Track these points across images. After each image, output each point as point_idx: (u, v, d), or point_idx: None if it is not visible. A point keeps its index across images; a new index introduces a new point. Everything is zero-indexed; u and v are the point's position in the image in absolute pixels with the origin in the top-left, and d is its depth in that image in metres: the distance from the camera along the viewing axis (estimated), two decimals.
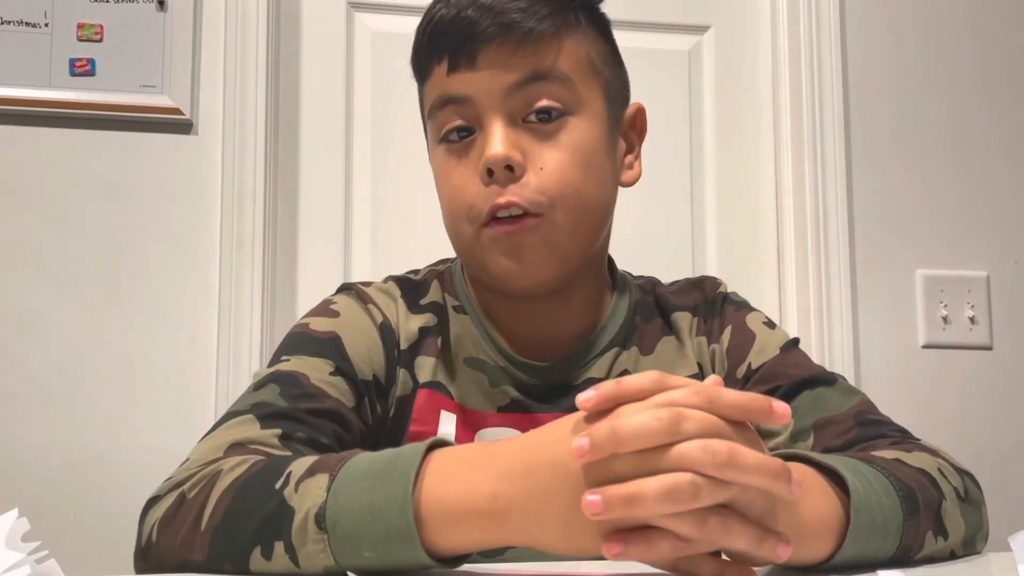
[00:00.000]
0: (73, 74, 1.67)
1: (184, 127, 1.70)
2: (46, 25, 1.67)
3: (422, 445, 0.61)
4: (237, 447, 0.74)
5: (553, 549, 0.57)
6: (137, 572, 0.74)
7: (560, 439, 0.56)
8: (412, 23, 1.80)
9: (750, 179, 1.92)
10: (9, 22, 1.66)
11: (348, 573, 0.61)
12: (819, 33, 1.90)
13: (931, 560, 0.70)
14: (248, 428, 0.77)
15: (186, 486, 0.71)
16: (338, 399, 0.82)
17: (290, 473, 0.64)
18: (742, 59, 1.95)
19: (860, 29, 1.93)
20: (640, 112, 0.95)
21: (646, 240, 1.79)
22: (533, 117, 0.85)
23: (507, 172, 0.83)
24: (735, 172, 1.91)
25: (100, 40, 1.68)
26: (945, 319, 1.88)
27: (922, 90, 1.95)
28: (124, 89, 1.68)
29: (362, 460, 0.62)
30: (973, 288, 1.90)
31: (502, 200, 0.83)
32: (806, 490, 0.60)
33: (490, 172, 0.83)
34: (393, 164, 1.80)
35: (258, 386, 0.81)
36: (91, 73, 1.67)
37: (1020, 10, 2.00)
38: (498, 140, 0.83)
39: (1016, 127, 1.97)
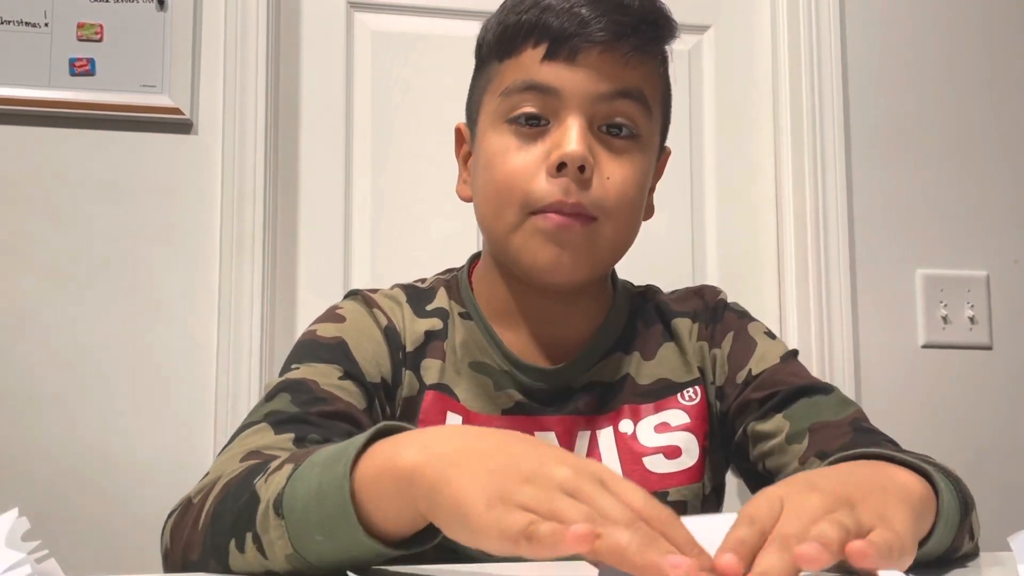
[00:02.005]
0: (73, 74, 1.67)
1: (184, 127, 1.70)
2: (46, 25, 1.67)
3: (372, 430, 0.61)
4: (253, 455, 0.75)
5: (452, 513, 0.53)
6: None
7: (494, 436, 0.57)
8: (412, 22, 1.84)
9: (750, 179, 1.92)
10: (9, 22, 1.66)
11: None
12: (819, 33, 1.90)
13: (936, 562, 0.71)
14: (263, 436, 0.78)
15: (193, 492, 0.73)
16: (349, 402, 0.83)
17: (268, 468, 0.66)
18: (742, 59, 1.95)
19: (860, 28, 1.93)
20: (667, 157, 0.97)
21: (645, 239, 1.79)
22: (606, 128, 0.86)
23: (577, 172, 0.83)
24: (735, 172, 1.91)
25: (100, 40, 1.68)
26: (945, 319, 1.88)
27: (922, 90, 1.95)
28: (124, 89, 1.67)
29: (326, 449, 0.63)
30: (973, 288, 1.90)
31: (571, 199, 0.83)
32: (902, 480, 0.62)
33: (560, 167, 0.83)
34: (393, 163, 1.80)
35: (269, 396, 0.83)
36: (91, 73, 1.67)
37: (1020, 8, 2.00)
38: (578, 138, 0.83)
39: (1017, 126, 1.97)
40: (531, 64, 0.86)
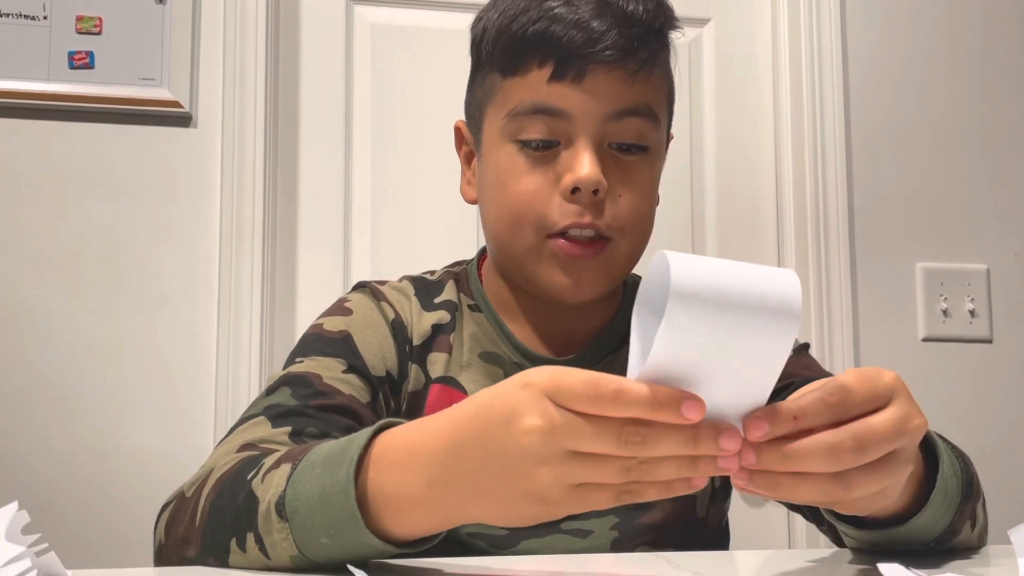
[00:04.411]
0: (72, 67, 1.66)
1: (183, 120, 1.70)
2: (45, 18, 1.67)
3: (370, 429, 0.62)
4: (249, 447, 0.75)
5: (495, 522, 0.58)
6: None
7: (478, 414, 0.57)
8: (412, 15, 1.84)
9: (750, 172, 1.92)
10: (8, 15, 1.66)
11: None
12: (819, 26, 1.89)
13: (936, 551, 0.71)
14: (260, 429, 0.78)
15: (185, 485, 0.73)
16: (351, 395, 0.83)
17: (262, 465, 0.66)
18: (742, 52, 1.94)
19: (861, 21, 1.93)
20: (670, 140, 0.96)
21: None
22: (616, 145, 0.86)
23: (591, 195, 0.83)
24: (735, 165, 1.91)
25: (99, 33, 1.68)
26: (945, 312, 1.88)
27: (922, 83, 1.94)
28: (123, 82, 1.67)
29: (322, 448, 0.63)
30: (973, 281, 1.90)
31: (585, 220, 0.83)
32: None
33: (574, 190, 0.83)
34: (393, 157, 1.80)
35: (271, 390, 0.83)
36: (90, 66, 1.67)
37: (1020, 3, 2.00)
38: (590, 162, 0.83)
39: (1017, 120, 1.97)
40: (538, 85, 0.84)
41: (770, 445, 0.53)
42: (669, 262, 0.49)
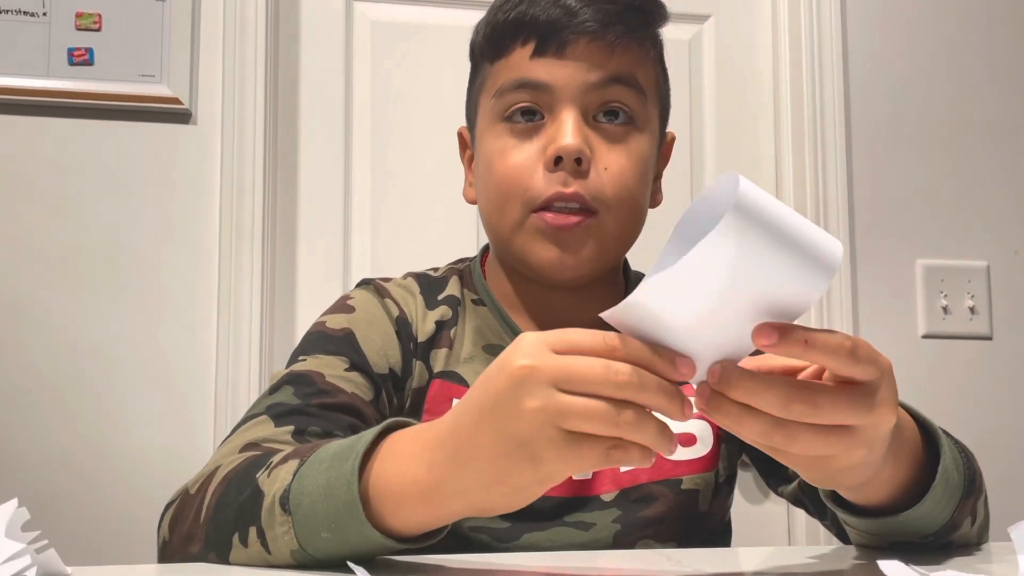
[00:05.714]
0: (71, 63, 1.66)
1: (183, 117, 1.70)
2: (44, 14, 1.66)
3: (380, 426, 0.63)
4: (252, 446, 0.75)
5: (488, 499, 0.58)
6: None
7: (478, 383, 0.58)
8: (412, 12, 1.84)
9: (750, 169, 1.92)
10: (7, 11, 1.66)
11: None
12: (820, 22, 1.89)
13: (935, 546, 0.71)
14: (263, 428, 0.78)
15: (189, 483, 0.73)
16: (354, 393, 0.83)
17: (271, 462, 0.66)
18: (743, 48, 1.94)
19: (861, 17, 1.93)
20: (672, 142, 0.97)
21: (645, 229, 1.79)
22: (602, 116, 0.86)
23: (574, 164, 0.83)
24: (735, 162, 1.91)
25: (98, 29, 1.68)
26: (945, 309, 1.88)
27: (923, 80, 1.94)
28: (122, 79, 1.67)
29: (331, 445, 0.64)
30: (973, 278, 1.90)
31: (568, 190, 0.84)
32: (902, 433, 0.64)
33: (557, 161, 0.83)
34: (392, 154, 1.80)
35: (273, 389, 0.83)
36: (89, 62, 1.67)
37: (1021, 1, 2.00)
38: (573, 131, 0.84)
39: (1017, 117, 1.97)
40: (521, 62, 0.86)
41: (735, 368, 0.53)
42: (739, 177, 0.54)
